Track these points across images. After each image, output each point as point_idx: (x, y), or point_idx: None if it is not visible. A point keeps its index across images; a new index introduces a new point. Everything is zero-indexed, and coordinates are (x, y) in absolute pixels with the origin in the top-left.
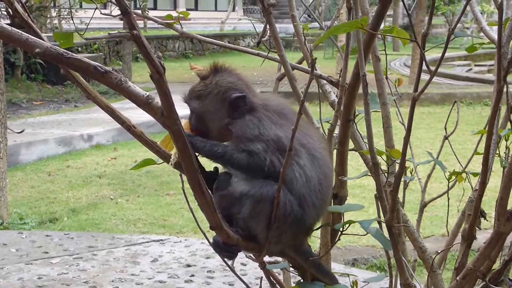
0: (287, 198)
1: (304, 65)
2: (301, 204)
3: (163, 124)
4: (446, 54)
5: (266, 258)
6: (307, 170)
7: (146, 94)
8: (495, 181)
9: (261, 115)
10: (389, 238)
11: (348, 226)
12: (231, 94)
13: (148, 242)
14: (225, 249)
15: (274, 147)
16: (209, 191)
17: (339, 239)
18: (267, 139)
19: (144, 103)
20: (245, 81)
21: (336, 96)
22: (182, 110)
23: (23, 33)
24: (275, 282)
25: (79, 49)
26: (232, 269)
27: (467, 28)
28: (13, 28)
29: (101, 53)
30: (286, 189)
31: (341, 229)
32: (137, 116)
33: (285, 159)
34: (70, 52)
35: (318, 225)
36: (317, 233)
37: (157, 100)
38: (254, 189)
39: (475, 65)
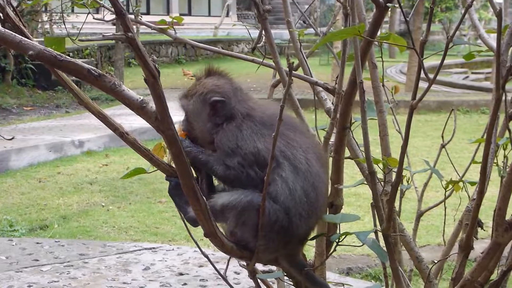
0: (271, 206)
1: (300, 72)
2: (287, 214)
3: (157, 129)
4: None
5: (260, 267)
6: (290, 183)
7: (140, 98)
8: (492, 191)
9: (243, 125)
10: (385, 248)
11: (344, 237)
12: (211, 96)
13: (140, 250)
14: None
15: (251, 160)
16: (204, 198)
17: (335, 250)
18: (244, 152)
19: (138, 107)
20: (235, 86)
21: (332, 103)
22: (177, 115)
23: (16, 35)
24: None
25: (71, 54)
26: (224, 278)
27: (464, 35)
28: (7, 30)
29: (92, 59)
30: (270, 199)
31: (337, 240)
32: (129, 122)
33: (268, 166)
34: (64, 55)
35: (313, 234)
36: (312, 242)
37: (151, 104)
38: (235, 200)
39: (472, 73)
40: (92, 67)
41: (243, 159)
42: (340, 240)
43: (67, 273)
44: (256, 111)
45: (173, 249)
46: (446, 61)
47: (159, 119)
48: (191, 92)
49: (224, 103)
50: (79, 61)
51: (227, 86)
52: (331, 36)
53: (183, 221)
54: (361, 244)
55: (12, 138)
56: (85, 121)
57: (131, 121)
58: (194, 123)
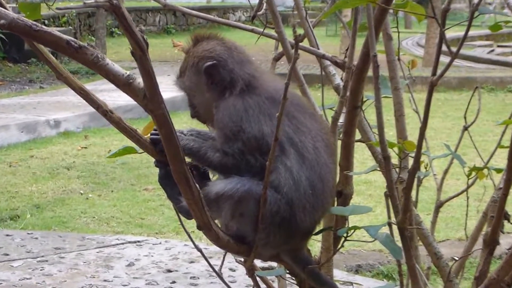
0: (272, 196)
1: (305, 44)
2: (290, 206)
3: (145, 108)
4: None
5: (259, 263)
6: (295, 172)
7: (126, 73)
8: None
9: (249, 100)
10: (399, 243)
11: (354, 231)
12: (203, 64)
13: (123, 243)
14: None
15: (253, 146)
16: (197, 186)
17: (342, 246)
18: (247, 137)
19: (124, 84)
20: (228, 46)
21: (342, 79)
22: (167, 92)
23: None
24: None
25: (46, 21)
26: (219, 275)
27: (490, 4)
28: None
29: (70, 27)
30: (271, 188)
31: (345, 234)
32: (113, 99)
33: (271, 151)
34: (40, 25)
35: (318, 228)
36: (318, 236)
37: (139, 80)
38: (231, 189)
39: (498, 46)
40: (72, 38)
41: (244, 144)
42: (348, 235)
43: (41, 269)
44: (260, 82)
45: (160, 243)
46: (469, 33)
47: (148, 97)
48: (182, 68)
49: (219, 66)
50: (57, 32)
51: (218, 48)
52: (342, 4)
53: (176, 212)
54: (373, 240)
55: None
56: (62, 98)
57: (115, 98)
58: (195, 100)
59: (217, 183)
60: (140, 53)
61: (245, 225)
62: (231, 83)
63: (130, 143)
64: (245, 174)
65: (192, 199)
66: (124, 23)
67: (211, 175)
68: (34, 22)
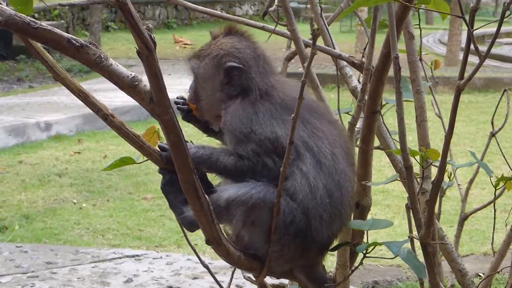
0: (287, 204)
1: (320, 42)
2: (306, 215)
3: (151, 112)
4: (491, 29)
5: (269, 280)
6: (311, 179)
7: (131, 74)
8: None
9: (260, 106)
10: (422, 258)
11: (373, 248)
12: (227, 61)
13: (120, 258)
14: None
15: (269, 148)
16: (206, 197)
17: (361, 263)
18: (259, 138)
19: (128, 86)
20: (258, 54)
21: (359, 81)
22: (170, 94)
23: None
24: None
25: (36, 15)
26: None
27: None
28: None
29: (62, 21)
30: (287, 195)
31: (364, 251)
32: (108, 100)
33: (285, 155)
34: (39, 22)
35: (335, 242)
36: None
37: (145, 82)
38: (245, 194)
39: None
40: (73, 37)
41: (258, 145)
42: (368, 252)
43: (31, 286)
44: (277, 90)
45: (161, 257)
46: (495, 29)
47: (155, 100)
48: (204, 53)
49: (242, 71)
50: (57, 29)
51: (248, 52)
52: (363, 1)
53: (179, 224)
54: (394, 256)
55: None
56: (53, 98)
57: (111, 98)
58: (203, 91)
59: (228, 188)
60: (147, 53)
61: (257, 235)
62: (246, 91)
63: (128, 147)
64: (261, 179)
65: (200, 211)
66: (131, 20)
67: (213, 182)
68: (33, 19)
